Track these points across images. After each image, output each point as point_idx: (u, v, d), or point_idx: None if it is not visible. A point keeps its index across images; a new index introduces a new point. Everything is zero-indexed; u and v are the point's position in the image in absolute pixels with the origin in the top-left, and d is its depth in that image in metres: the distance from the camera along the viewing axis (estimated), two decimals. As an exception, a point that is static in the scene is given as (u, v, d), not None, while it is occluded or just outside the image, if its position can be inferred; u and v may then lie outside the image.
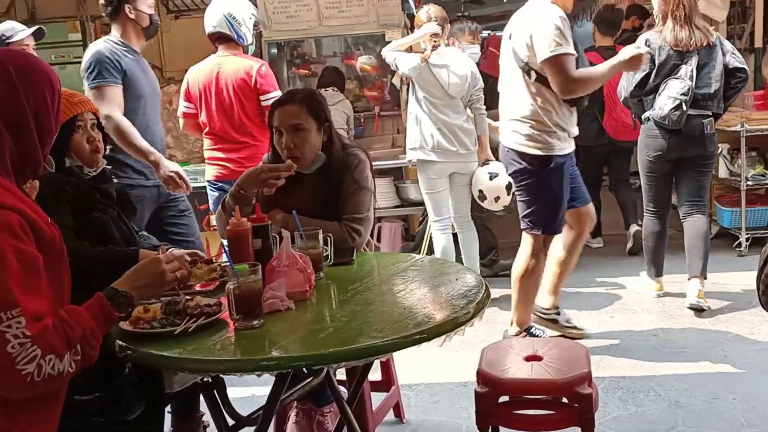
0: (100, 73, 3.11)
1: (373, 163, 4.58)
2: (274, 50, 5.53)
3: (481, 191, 3.99)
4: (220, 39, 3.59)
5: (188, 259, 1.94)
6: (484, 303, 1.85)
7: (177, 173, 3.14)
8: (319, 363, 1.58)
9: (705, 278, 3.89)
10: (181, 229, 3.34)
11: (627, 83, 3.88)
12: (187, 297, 1.75)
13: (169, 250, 2.04)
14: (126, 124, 3.09)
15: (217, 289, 1.98)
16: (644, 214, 4.07)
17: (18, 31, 3.64)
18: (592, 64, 3.44)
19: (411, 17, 12.89)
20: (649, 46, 3.66)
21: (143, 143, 3.12)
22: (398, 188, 4.72)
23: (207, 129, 3.63)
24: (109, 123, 2.97)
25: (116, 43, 3.22)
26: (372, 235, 4.65)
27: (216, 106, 3.55)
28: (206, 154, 3.70)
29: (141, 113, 3.22)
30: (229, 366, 1.56)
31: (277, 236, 2.08)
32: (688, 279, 3.89)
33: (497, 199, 3.81)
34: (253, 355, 1.58)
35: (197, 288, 1.99)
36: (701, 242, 3.90)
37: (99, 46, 3.22)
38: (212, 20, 3.58)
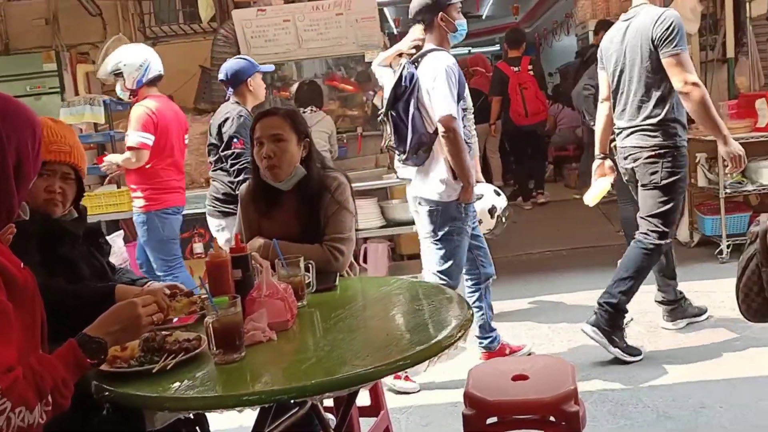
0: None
1: (357, 184, 4.66)
2: (255, 73, 5.54)
3: None
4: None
5: (167, 292, 1.92)
6: (467, 325, 1.85)
7: None
8: (302, 395, 1.56)
9: None
10: None
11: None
12: (166, 333, 1.73)
13: (148, 284, 2.03)
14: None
15: (197, 322, 1.97)
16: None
17: None
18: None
19: (391, 37, 12.99)
20: None
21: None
22: (383, 208, 4.71)
23: (169, 161, 4.11)
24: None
25: None
26: (358, 257, 4.72)
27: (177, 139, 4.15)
28: (171, 184, 4.13)
29: None
30: (209, 403, 1.54)
31: (259, 265, 2.07)
32: None
33: (479, 222, 3.81)
34: (233, 391, 1.56)
35: (176, 323, 1.97)
36: None
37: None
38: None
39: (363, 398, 2.51)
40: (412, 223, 4.55)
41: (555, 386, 2.09)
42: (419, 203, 3.34)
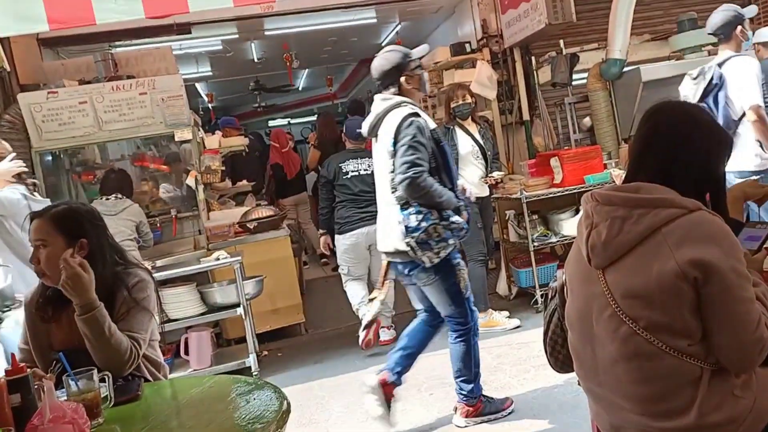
0: None
1: (174, 270, 4.41)
2: (49, 158, 5.13)
3: None
4: None
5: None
6: (284, 420, 1.74)
7: None
8: None
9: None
10: None
11: None
12: None
13: None
14: None
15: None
16: None
17: None
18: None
19: (206, 110, 12.78)
20: None
21: None
22: (204, 294, 4.47)
23: None
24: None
25: None
26: (179, 348, 4.41)
27: None
28: None
29: None
30: None
31: (42, 388, 1.81)
32: None
33: None
34: None
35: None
36: None
37: None
38: None
39: None
40: (236, 306, 4.39)
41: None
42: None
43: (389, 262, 3.45)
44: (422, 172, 3.05)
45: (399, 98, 3.24)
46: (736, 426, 1.67)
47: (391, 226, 3.20)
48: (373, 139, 3.39)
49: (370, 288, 5.07)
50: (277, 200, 8.12)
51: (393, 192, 3.16)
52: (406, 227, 3.08)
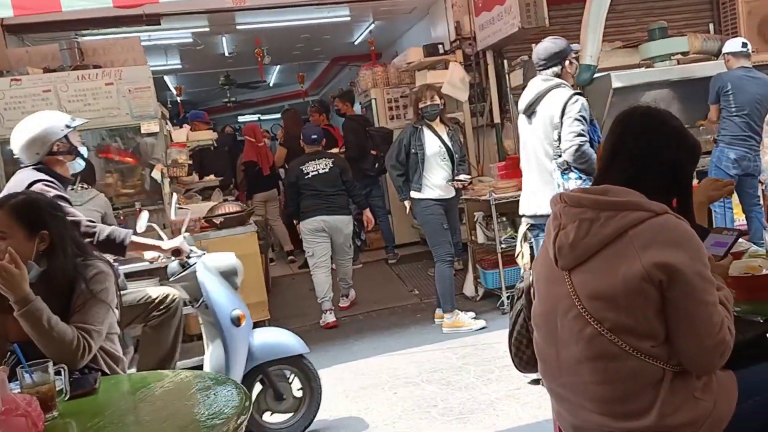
0: None
1: (138, 264, 4.32)
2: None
3: None
4: None
5: None
6: (244, 416, 1.71)
7: None
8: None
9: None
10: None
11: None
12: None
13: None
14: None
15: None
16: None
17: None
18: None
19: (174, 104, 12.60)
20: None
21: None
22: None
23: None
24: None
25: None
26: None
27: None
28: None
29: None
30: None
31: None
32: None
33: None
34: None
35: None
36: None
37: None
38: None
39: None
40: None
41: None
42: None
43: (531, 226, 3.94)
44: (586, 142, 3.58)
45: (558, 80, 3.73)
46: (695, 428, 1.69)
47: (543, 192, 3.71)
48: (523, 116, 3.87)
49: (334, 278, 5.81)
50: (251, 196, 8.07)
51: (556, 159, 3.66)
52: (566, 189, 3.50)
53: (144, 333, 3.34)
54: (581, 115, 3.60)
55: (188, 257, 3.29)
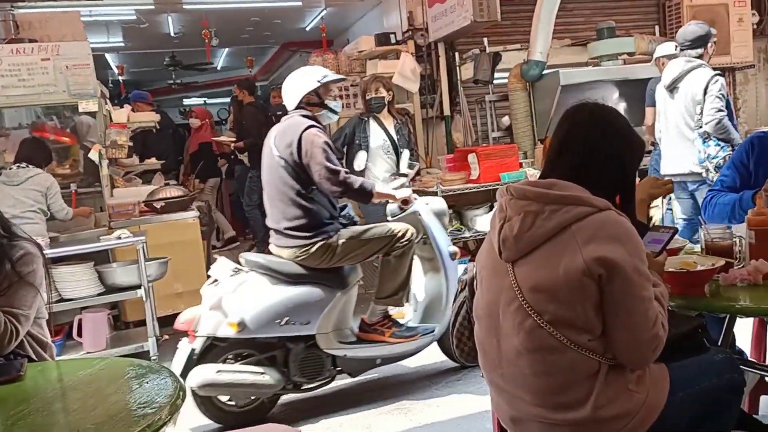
0: None
1: (70, 248, 4.17)
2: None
3: None
4: None
5: None
6: (177, 405, 1.64)
7: None
8: None
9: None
10: None
11: None
12: None
13: None
14: None
15: None
16: None
17: None
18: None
19: (116, 83, 12.20)
20: None
21: None
22: (102, 273, 4.23)
23: None
24: None
25: None
26: (71, 329, 4.18)
27: None
28: None
29: None
30: None
31: None
32: None
33: None
34: None
35: None
36: None
37: None
38: None
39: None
40: (136, 287, 4.20)
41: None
42: None
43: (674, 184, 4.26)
44: (725, 116, 4.16)
45: (700, 61, 4.27)
46: (629, 419, 1.72)
47: (684, 156, 4.31)
48: (665, 90, 4.42)
49: None
50: (205, 180, 7.91)
51: (697, 129, 4.23)
52: (708, 155, 4.16)
53: (387, 262, 3.58)
54: (721, 93, 4.18)
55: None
